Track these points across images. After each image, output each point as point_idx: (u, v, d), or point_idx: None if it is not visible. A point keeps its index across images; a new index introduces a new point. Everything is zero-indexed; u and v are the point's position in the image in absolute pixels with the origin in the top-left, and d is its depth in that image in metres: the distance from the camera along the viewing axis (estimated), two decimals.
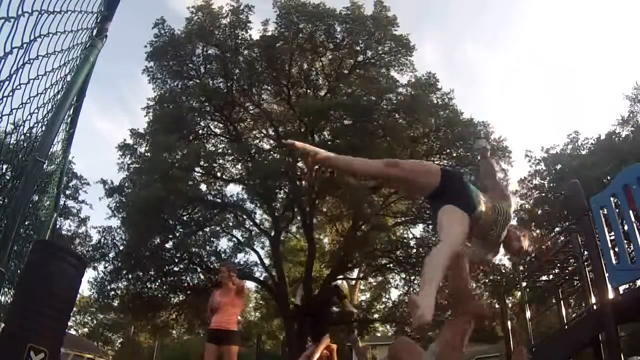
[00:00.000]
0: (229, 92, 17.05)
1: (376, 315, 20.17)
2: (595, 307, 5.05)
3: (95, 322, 34.72)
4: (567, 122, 60.51)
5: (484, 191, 2.75)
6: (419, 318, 1.88)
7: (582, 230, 5.34)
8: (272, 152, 17.12)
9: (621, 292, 4.90)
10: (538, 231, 18.16)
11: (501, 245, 2.81)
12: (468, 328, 2.57)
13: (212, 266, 16.74)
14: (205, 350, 5.18)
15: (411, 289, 18.21)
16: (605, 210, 4.98)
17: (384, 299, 20.84)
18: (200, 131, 17.98)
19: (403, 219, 17.87)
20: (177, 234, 16.46)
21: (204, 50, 17.00)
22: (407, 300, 18.48)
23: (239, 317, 5.41)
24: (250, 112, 18.21)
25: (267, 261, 18.91)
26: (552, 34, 57.92)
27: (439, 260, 2.16)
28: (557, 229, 16.88)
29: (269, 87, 17.79)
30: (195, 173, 16.42)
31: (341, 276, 19.00)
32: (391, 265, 17.58)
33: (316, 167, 2.77)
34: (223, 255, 17.48)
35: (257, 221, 18.59)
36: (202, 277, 17.23)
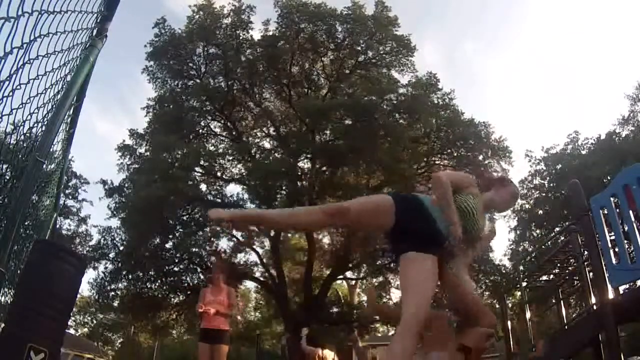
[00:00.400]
0: (230, 92, 17.05)
1: (376, 316, 20.14)
2: (595, 307, 5.05)
3: (95, 322, 34.74)
4: (567, 122, 60.52)
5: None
6: None
7: (582, 230, 5.33)
8: (272, 152, 17.13)
9: (621, 292, 4.90)
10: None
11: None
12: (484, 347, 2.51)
13: (212, 266, 16.74)
14: (199, 349, 5.22)
15: None
16: (605, 210, 4.98)
17: (384, 299, 20.83)
18: (200, 131, 17.99)
19: None
20: (177, 234, 16.46)
21: (205, 49, 17.00)
22: None
23: (239, 317, 5.40)
24: (251, 111, 18.22)
25: (267, 261, 18.92)
26: (552, 34, 57.95)
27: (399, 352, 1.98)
28: (557, 229, 16.88)
29: (270, 87, 17.80)
30: (196, 173, 16.43)
31: (341, 276, 19.01)
32: (392, 265, 17.57)
33: (251, 228, 2.55)
34: (223, 255, 17.48)
35: None
36: (202, 277, 17.22)
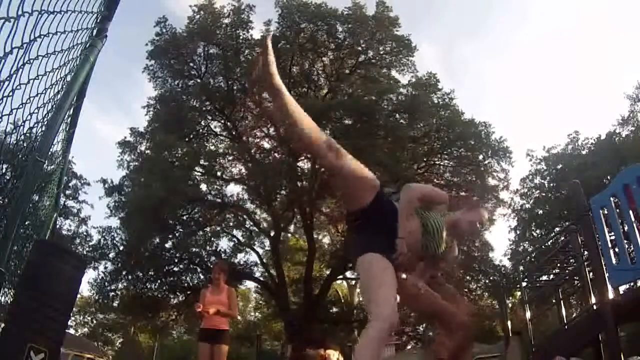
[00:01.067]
0: (230, 91, 17.05)
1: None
2: (595, 307, 5.05)
3: (95, 322, 34.74)
4: (567, 122, 60.50)
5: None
6: None
7: (582, 230, 5.33)
8: (272, 152, 17.14)
9: (621, 292, 4.90)
10: None
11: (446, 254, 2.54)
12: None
13: (212, 266, 16.72)
14: (199, 349, 5.22)
15: None
16: (605, 210, 4.97)
17: None
18: (200, 130, 17.99)
19: None
20: (177, 234, 16.47)
21: (205, 49, 17.00)
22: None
23: (238, 317, 5.40)
24: (251, 111, 18.21)
25: (267, 261, 18.92)
26: (552, 34, 57.91)
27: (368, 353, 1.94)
28: (557, 229, 16.89)
29: None
30: (196, 173, 16.44)
31: (341, 276, 19.01)
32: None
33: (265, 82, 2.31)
34: (223, 255, 17.49)
35: (257, 221, 18.60)
36: (202, 277, 17.23)
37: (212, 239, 17.79)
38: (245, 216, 17.91)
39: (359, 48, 16.89)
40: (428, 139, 16.20)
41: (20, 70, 1.76)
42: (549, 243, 11.26)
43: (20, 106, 1.92)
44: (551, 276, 7.65)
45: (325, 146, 2.19)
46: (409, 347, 22.88)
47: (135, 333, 32.07)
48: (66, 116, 2.79)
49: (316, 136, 2.23)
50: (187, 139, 16.52)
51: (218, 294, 5.28)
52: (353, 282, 20.97)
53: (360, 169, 2.32)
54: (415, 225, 2.31)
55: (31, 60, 1.82)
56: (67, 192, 20.56)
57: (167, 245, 16.52)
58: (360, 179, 2.27)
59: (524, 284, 7.14)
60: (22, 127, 2.14)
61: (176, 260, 16.73)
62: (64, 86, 2.45)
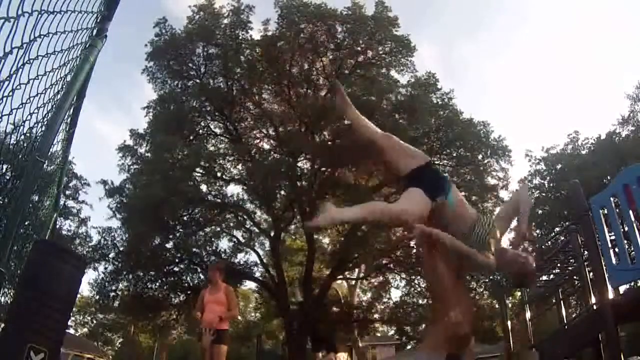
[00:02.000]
0: (230, 92, 17.05)
1: (376, 316, 20.17)
2: (595, 307, 5.05)
3: (95, 322, 34.76)
4: (567, 122, 60.50)
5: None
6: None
7: (582, 230, 5.33)
8: (272, 152, 17.14)
9: (621, 292, 4.89)
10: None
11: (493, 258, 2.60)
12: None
13: (209, 265, 16.72)
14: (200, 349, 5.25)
15: (412, 289, 18.22)
16: (605, 210, 4.97)
17: (384, 299, 20.85)
18: (200, 131, 17.98)
19: None
20: (178, 234, 16.47)
21: (205, 49, 17.00)
22: (404, 301, 18.49)
23: (239, 317, 5.39)
24: (251, 112, 18.22)
25: (267, 261, 18.93)
26: (552, 33, 57.92)
27: (370, 207, 2.40)
28: (557, 229, 16.88)
29: (270, 87, 17.79)
30: (196, 173, 16.43)
31: (341, 276, 19.01)
32: (391, 265, 17.58)
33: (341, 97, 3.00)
34: (223, 255, 17.49)
35: (257, 221, 18.61)
36: (202, 277, 17.22)
37: (213, 239, 17.80)
38: (245, 216, 17.92)
39: (359, 48, 16.89)
40: (427, 139, 16.20)
41: (20, 70, 1.76)
42: (549, 243, 11.26)
43: (20, 106, 1.92)
44: (551, 276, 7.65)
45: (380, 134, 2.98)
46: (408, 347, 22.90)
47: (135, 333, 32.08)
48: (66, 116, 2.79)
49: (371, 130, 3.06)
50: (187, 140, 16.52)
51: (216, 293, 5.31)
52: (353, 282, 20.99)
53: (407, 147, 2.95)
54: (465, 208, 2.64)
55: (31, 60, 1.82)
56: (67, 192, 20.57)
57: (167, 246, 16.53)
58: (409, 154, 2.81)
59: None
60: (22, 127, 2.14)
61: (177, 261, 16.74)
62: (64, 86, 2.45)
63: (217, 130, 18.47)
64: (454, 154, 16.10)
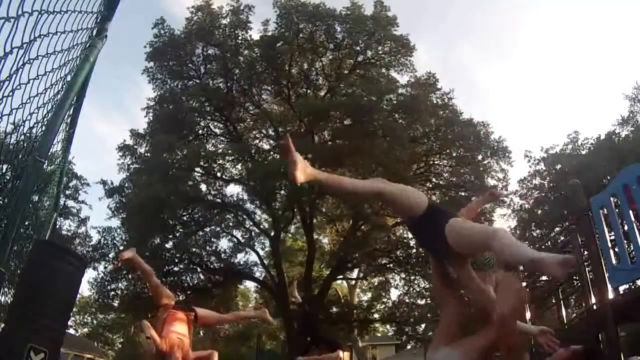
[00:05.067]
0: (229, 92, 17.06)
1: (376, 315, 20.18)
2: (595, 307, 5.05)
3: (95, 322, 34.72)
4: (567, 122, 60.48)
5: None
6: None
7: (582, 230, 5.33)
8: (272, 152, 17.14)
9: (621, 292, 4.89)
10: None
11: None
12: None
13: (212, 266, 16.74)
14: None
15: (411, 289, 18.22)
16: (605, 210, 4.97)
17: (384, 299, 20.86)
18: (200, 131, 18.00)
19: None
20: (177, 234, 16.47)
21: (204, 50, 17.02)
22: (403, 299, 18.47)
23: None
24: (250, 112, 18.22)
25: (267, 261, 18.92)
26: (552, 33, 57.92)
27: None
28: (557, 229, 16.86)
29: (269, 87, 17.81)
30: (195, 173, 16.44)
31: (341, 276, 19.02)
32: (391, 265, 17.58)
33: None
34: (223, 255, 17.48)
35: (257, 221, 18.61)
36: (202, 277, 17.23)
37: (212, 239, 17.79)
38: (245, 216, 17.92)
39: (358, 48, 16.91)
40: (427, 139, 16.22)
41: (20, 70, 1.76)
42: (549, 243, 11.26)
43: (20, 106, 1.92)
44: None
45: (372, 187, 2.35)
46: (408, 347, 22.88)
47: (136, 333, 32.06)
48: (66, 116, 2.79)
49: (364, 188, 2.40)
50: (186, 140, 16.52)
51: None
52: (353, 282, 21.01)
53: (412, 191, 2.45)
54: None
55: (31, 60, 1.82)
56: (67, 192, 20.56)
57: (167, 246, 16.54)
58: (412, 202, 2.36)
59: (524, 283, 7.14)
60: (22, 127, 2.13)
61: (176, 260, 16.74)
62: (64, 86, 2.45)
63: (217, 131, 18.50)
64: (454, 154, 16.11)
